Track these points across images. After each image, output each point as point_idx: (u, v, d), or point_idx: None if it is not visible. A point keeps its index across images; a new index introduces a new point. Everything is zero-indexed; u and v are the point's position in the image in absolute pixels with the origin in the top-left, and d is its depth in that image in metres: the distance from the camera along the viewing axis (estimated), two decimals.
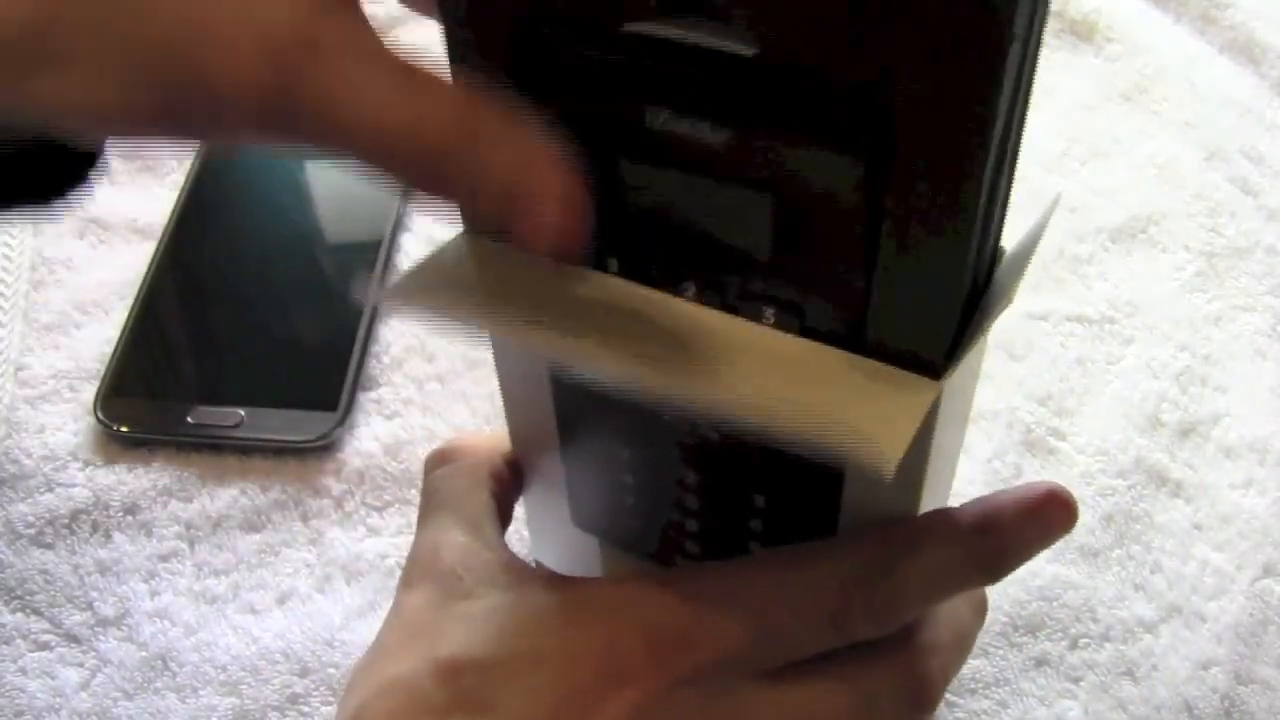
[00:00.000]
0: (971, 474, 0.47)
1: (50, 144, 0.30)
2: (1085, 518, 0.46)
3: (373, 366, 0.50)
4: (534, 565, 0.34)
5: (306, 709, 0.40)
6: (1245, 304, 0.53)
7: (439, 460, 0.35)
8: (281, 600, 0.43)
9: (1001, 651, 0.43)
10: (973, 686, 0.42)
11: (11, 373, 0.49)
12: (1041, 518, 0.28)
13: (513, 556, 0.31)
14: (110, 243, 0.54)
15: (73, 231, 0.54)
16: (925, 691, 0.29)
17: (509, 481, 0.35)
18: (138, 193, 0.56)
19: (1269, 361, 0.51)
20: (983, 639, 0.43)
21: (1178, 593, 0.44)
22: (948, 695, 0.41)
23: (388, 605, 0.42)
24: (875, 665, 0.28)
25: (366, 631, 0.42)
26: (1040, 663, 0.42)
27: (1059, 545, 0.45)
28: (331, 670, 0.41)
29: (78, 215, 0.55)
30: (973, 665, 0.42)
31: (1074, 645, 0.43)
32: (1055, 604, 0.44)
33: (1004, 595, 0.44)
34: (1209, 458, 0.48)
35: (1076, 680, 0.42)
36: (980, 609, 0.32)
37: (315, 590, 0.43)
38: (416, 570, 0.31)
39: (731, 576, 0.28)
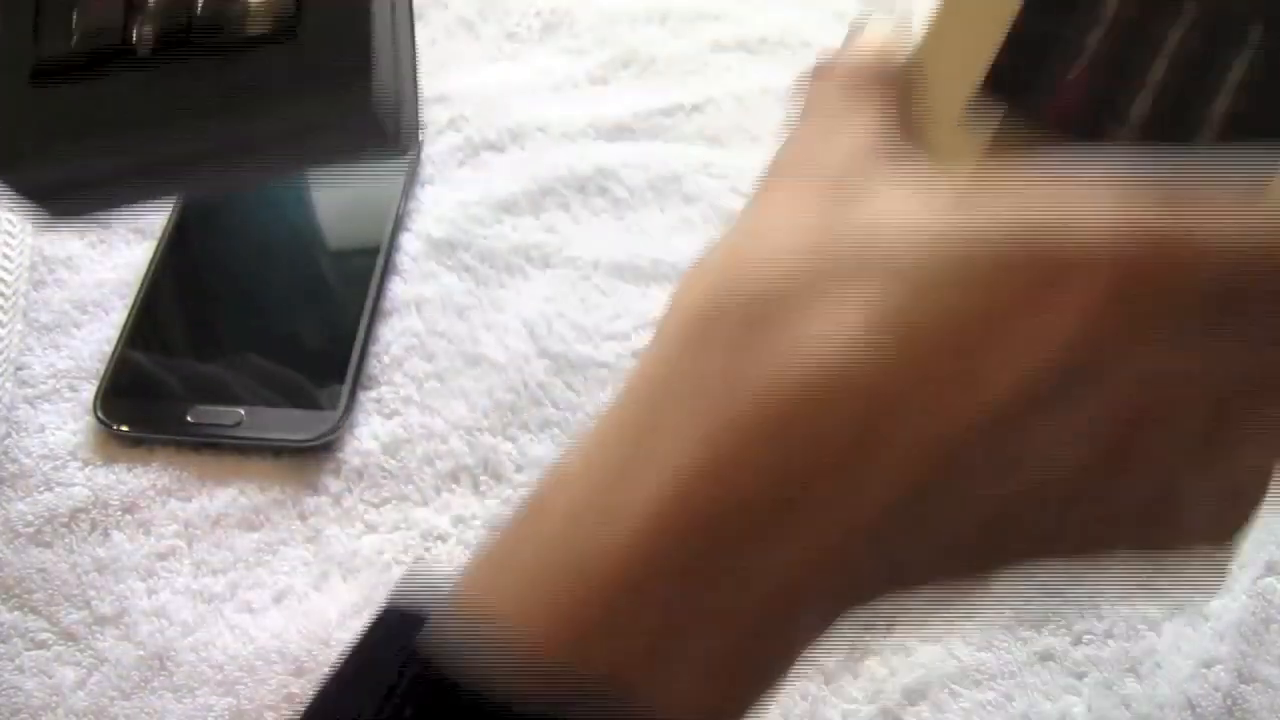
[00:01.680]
0: None
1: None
2: None
3: (373, 366, 0.49)
4: None
5: (303, 709, 0.40)
6: None
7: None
8: (278, 599, 0.43)
9: (1006, 645, 0.43)
10: (977, 678, 0.42)
11: (11, 372, 0.49)
12: None
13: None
14: (110, 242, 0.54)
15: (73, 230, 0.54)
16: None
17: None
18: None
19: None
20: (987, 632, 0.43)
21: (1180, 591, 0.44)
22: (953, 685, 0.41)
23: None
24: None
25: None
26: (1044, 657, 0.42)
27: None
28: (327, 670, 0.41)
29: None
30: (978, 658, 0.42)
31: (1078, 641, 0.43)
32: (1059, 600, 0.44)
33: (1008, 590, 0.44)
34: None
35: (1080, 676, 0.42)
36: None
37: (312, 588, 0.43)
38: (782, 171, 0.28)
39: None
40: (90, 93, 0.34)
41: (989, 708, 0.41)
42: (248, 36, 0.34)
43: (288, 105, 0.34)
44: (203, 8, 0.34)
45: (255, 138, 0.35)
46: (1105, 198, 0.22)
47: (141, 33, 0.34)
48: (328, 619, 0.42)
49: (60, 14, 0.35)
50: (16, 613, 0.42)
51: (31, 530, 0.44)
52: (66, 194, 0.37)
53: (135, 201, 0.38)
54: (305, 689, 0.40)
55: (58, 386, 0.49)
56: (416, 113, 0.36)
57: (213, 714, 0.40)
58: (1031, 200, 0.22)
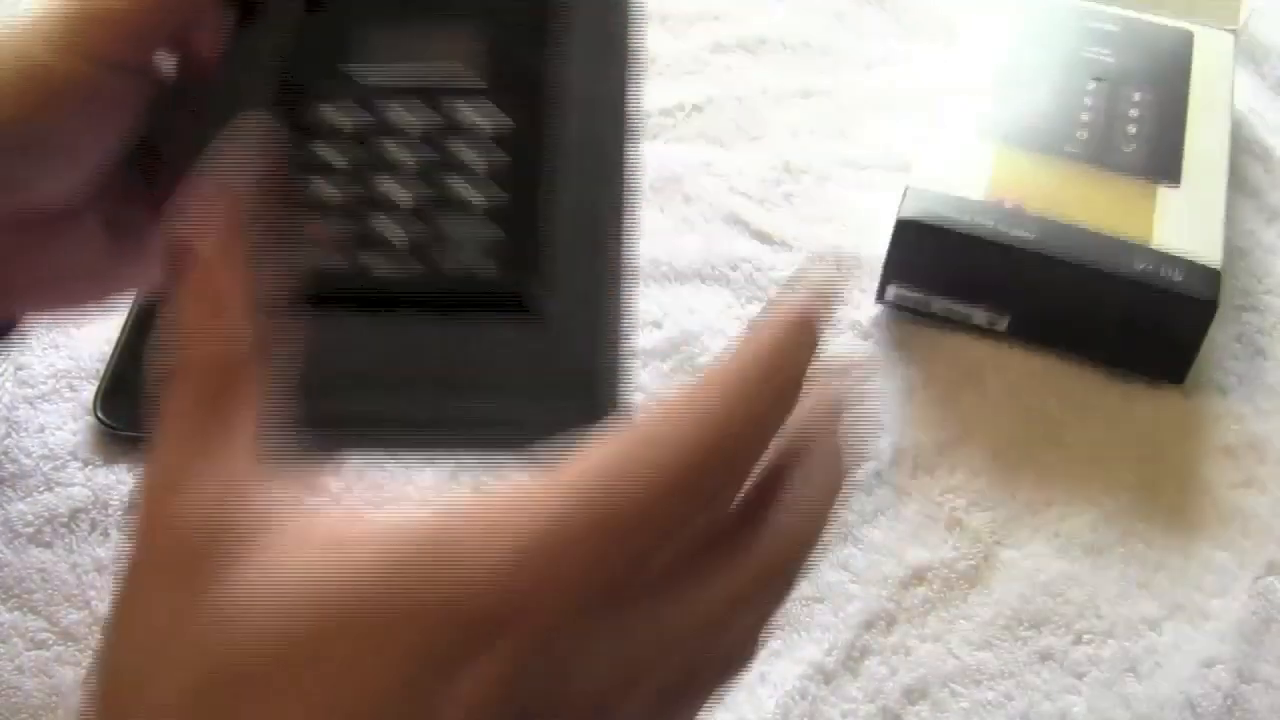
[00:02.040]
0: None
1: None
2: (1089, 515, 0.46)
3: None
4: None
5: None
6: (1246, 304, 0.53)
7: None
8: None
9: (1006, 645, 0.43)
10: (977, 678, 0.42)
11: (11, 372, 0.49)
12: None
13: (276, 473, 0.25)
14: None
15: None
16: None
17: None
18: None
19: (1269, 360, 0.51)
20: (987, 632, 0.43)
21: (1180, 590, 0.44)
22: (953, 685, 0.42)
23: None
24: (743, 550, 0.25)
25: None
26: (1044, 657, 0.42)
27: (1063, 542, 0.45)
28: None
29: None
30: (978, 657, 0.42)
31: (1078, 641, 0.43)
32: (1059, 599, 0.44)
33: (1008, 590, 0.44)
34: (1210, 456, 0.48)
35: (1080, 676, 0.42)
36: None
37: None
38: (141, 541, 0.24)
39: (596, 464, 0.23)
40: (310, 328, 0.34)
41: (989, 708, 0.41)
42: (484, 300, 0.34)
43: (507, 382, 0.34)
44: (440, 261, 0.35)
45: (469, 412, 0.35)
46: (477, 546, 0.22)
47: (372, 275, 0.35)
48: None
49: (284, 247, 0.34)
50: (16, 613, 0.42)
51: (31, 530, 0.44)
52: None
53: (322, 451, 0.38)
54: None
55: (58, 386, 0.49)
56: (625, 378, 0.36)
57: None
58: (421, 558, 0.22)
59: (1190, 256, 0.48)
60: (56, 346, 0.50)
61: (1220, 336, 0.52)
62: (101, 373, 0.49)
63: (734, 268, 0.53)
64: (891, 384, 0.50)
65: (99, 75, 0.34)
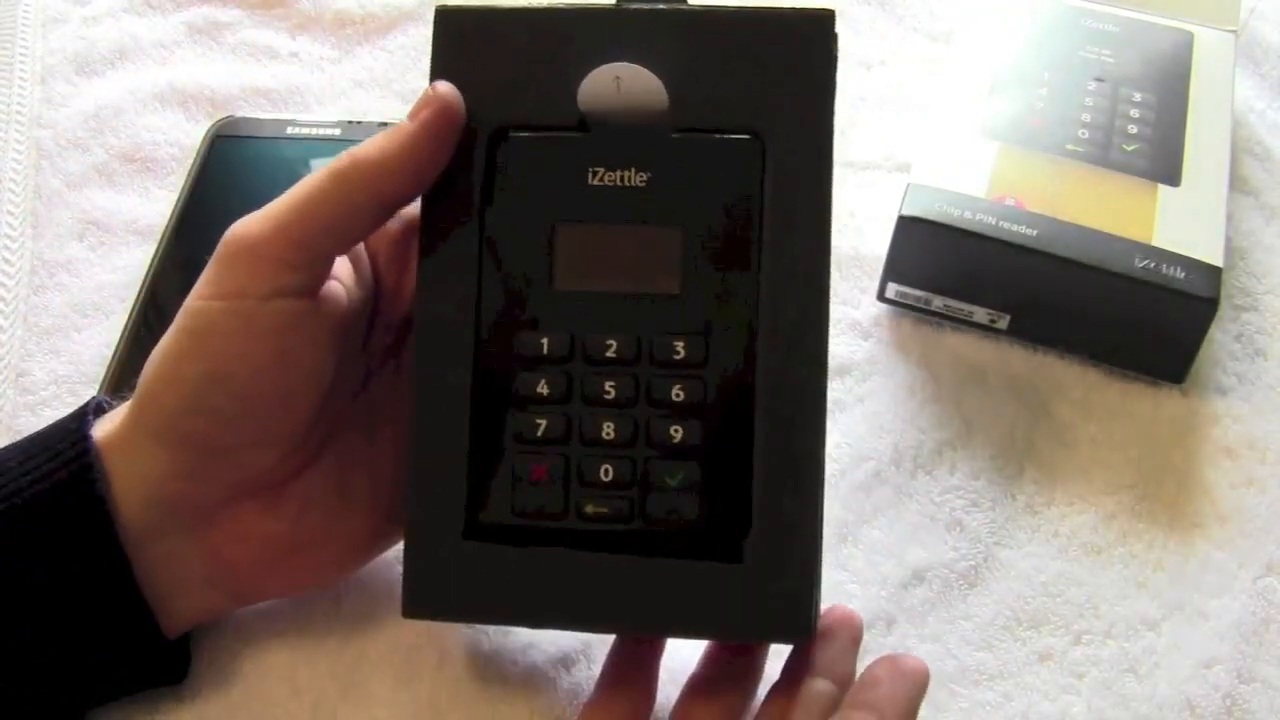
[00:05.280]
0: None
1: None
2: (1088, 515, 0.46)
3: None
4: None
5: (308, 704, 0.40)
6: (1246, 304, 0.53)
7: None
8: (279, 599, 0.43)
9: (1005, 645, 0.43)
10: (977, 678, 0.42)
11: (13, 379, 0.49)
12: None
13: None
14: (110, 245, 0.54)
15: (72, 234, 0.54)
16: None
17: None
18: (137, 194, 0.56)
19: (1269, 360, 0.51)
20: (987, 632, 0.43)
21: (1180, 590, 0.44)
22: (952, 686, 0.42)
23: (388, 602, 0.42)
24: None
25: (365, 629, 0.42)
26: (1044, 657, 0.42)
27: (1063, 542, 0.45)
28: (334, 667, 0.41)
29: (77, 217, 0.55)
30: (977, 658, 0.42)
31: (1077, 641, 0.43)
32: (1059, 600, 0.44)
33: (1008, 590, 0.44)
34: (1210, 456, 0.48)
35: (1080, 676, 0.42)
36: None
37: (320, 595, 0.43)
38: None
39: None
40: (526, 562, 0.36)
41: (989, 708, 0.41)
42: (694, 544, 0.35)
43: (721, 631, 0.36)
44: (649, 503, 0.36)
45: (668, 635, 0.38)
46: None
47: (582, 514, 0.36)
48: (331, 616, 0.42)
49: (495, 476, 0.36)
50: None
51: None
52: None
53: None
54: (313, 681, 0.41)
55: (58, 392, 0.49)
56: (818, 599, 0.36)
57: (217, 709, 0.40)
58: None
59: (1191, 255, 0.48)
60: (57, 352, 0.50)
61: (1220, 336, 0.52)
62: (102, 378, 0.49)
63: None
64: (891, 383, 0.50)
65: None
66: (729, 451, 0.35)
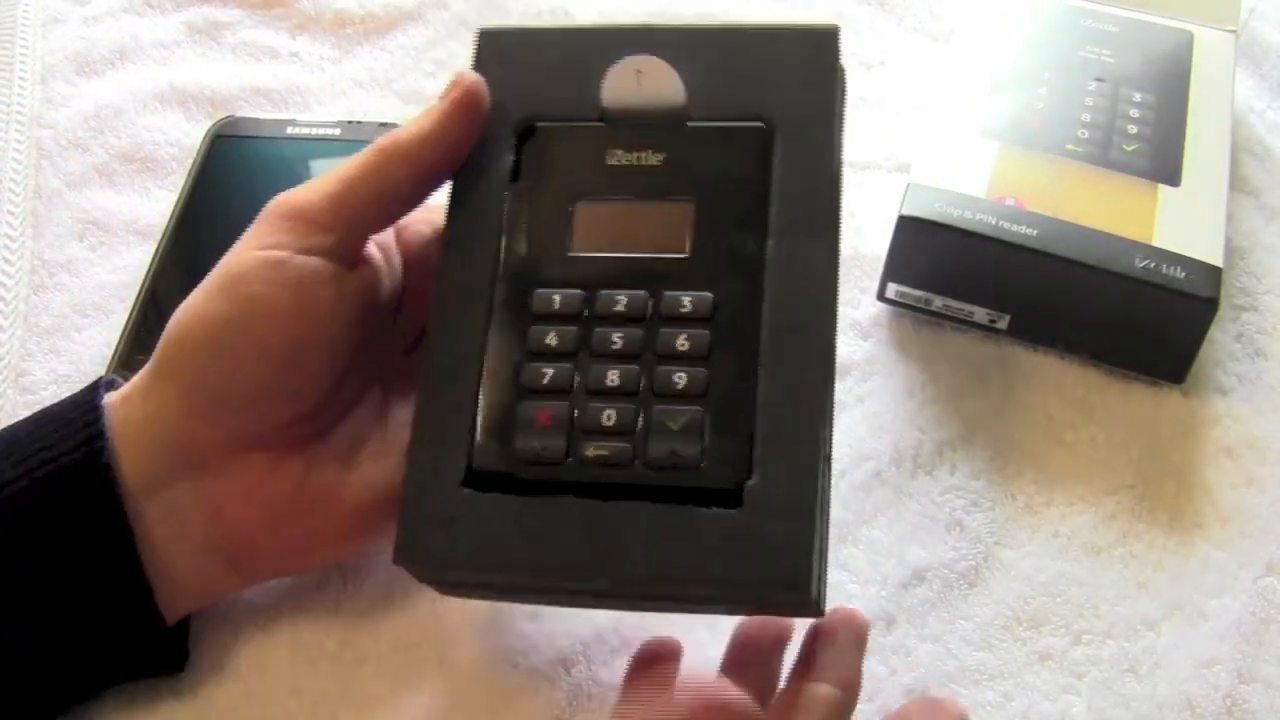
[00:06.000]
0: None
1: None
2: (1088, 515, 0.46)
3: None
4: None
5: (308, 704, 0.40)
6: (1246, 304, 0.53)
7: None
8: (280, 598, 0.43)
9: (1005, 645, 0.43)
10: (977, 678, 0.42)
11: (13, 379, 0.49)
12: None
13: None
14: (110, 244, 0.54)
15: (72, 233, 0.54)
16: None
17: None
18: (137, 194, 0.56)
19: (1269, 360, 0.51)
20: (987, 632, 0.43)
21: (1180, 590, 0.44)
22: (953, 685, 0.42)
23: (387, 602, 0.42)
24: None
25: (365, 629, 0.42)
26: (1044, 657, 0.42)
27: (1063, 542, 0.45)
28: (334, 667, 0.41)
29: (77, 217, 0.55)
30: (977, 658, 0.42)
31: (1077, 641, 0.43)
32: (1059, 600, 0.44)
33: (1008, 590, 0.44)
34: (1210, 456, 0.48)
35: (1080, 676, 0.42)
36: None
37: (315, 588, 0.43)
38: None
39: None
40: (525, 511, 0.36)
41: (989, 708, 0.41)
42: (694, 490, 0.35)
43: (719, 579, 0.35)
44: (651, 448, 0.36)
45: (676, 596, 0.36)
46: None
47: (583, 459, 0.36)
48: (332, 620, 0.42)
49: (499, 425, 0.37)
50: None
51: None
52: (468, 591, 0.39)
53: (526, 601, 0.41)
54: (313, 681, 0.41)
55: (58, 392, 0.49)
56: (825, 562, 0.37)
57: (217, 709, 0.40)
58: None
59: (1191, 255, 0.48)
60: (57, 352, 0.50)
61: (1220, 336, 0.52)
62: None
63: None
64: (891, 383, 0.50)
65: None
66: (732, 399, 0.36)
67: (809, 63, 0.39)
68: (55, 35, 0.62)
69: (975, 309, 0.50)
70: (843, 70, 0.40)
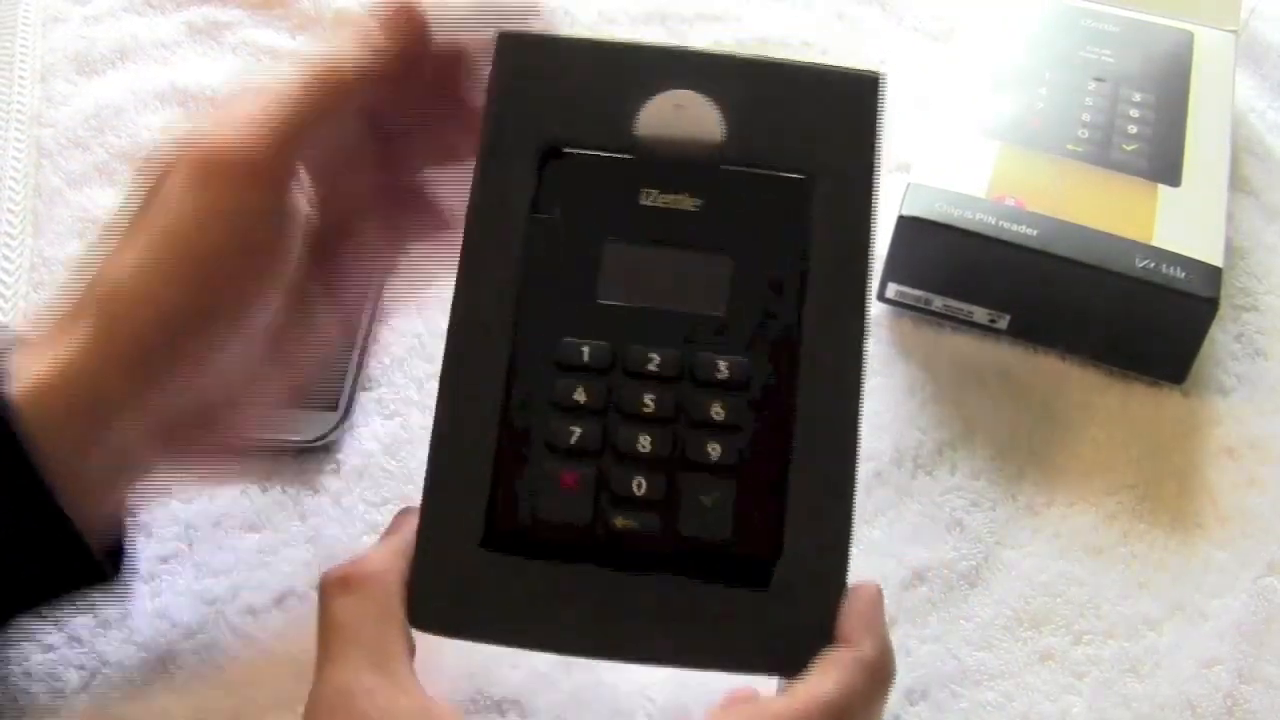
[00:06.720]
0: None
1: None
2: (1089, 515, 0.46)
3: (373, 366, 0.49)
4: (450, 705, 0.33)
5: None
6: (1246, 304, 0.53)
7: (339, 587, 0.33)
8: (279, 600, 0.43)
9: (1006, 645, 0.43)
10: (978, 679, 0.42)
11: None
12: None
13: (430, 701, 0.30)
14: None
15: (72, 232, 0.54)
16: None
17: None
18: None
19: (1269, 360, 0.51)
20: (988, 632, 0.43)
21: (1181, 590, 0.44)
22: (953, 685, 0.42)
23: None
24: None
25: None
26: (1045, 657, 0.42)
27: (1063, 542, 0.45)
28: None
29: (77, 215, 0.55)
30: (978, 658, 0.42)
31: (1078, 641, 0.43)
32: (1059, 599, 0.44)
33: (1009, 590, 0.44)
34: (1211, 456, 0.48)
35: (1080, 676, 0.42)
36: None
37: (313, 589, 0.43)
38: (323, 718, 0.30)
39: None
40: (545, 575, 0.34)
41: (989, 708, 0.41)
42: (721, 567, 0.34)
43: (740, 661, 0.34)
44: (682, 522, 0.34)
45: (696, 661, 0.35)
46: None
47: (610, 529, 0.34)
48: None
49: (520, 483, 0.35)
50: (23, 616, 0.42)
51: None
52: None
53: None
54: (307, 690, 0.40)
55: None
56: None
57: (215, 715, 0.40)
58: None
59: (1191, 255, 0.48)
60: None
61: (1220, 336, 0.52)
62: None
63: None
64: (891, 383, 0.50)
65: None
66: (765, 476, 0.35)
67: (851, 113, 0.37)
68: (56, 34, 0.62)
69: (975, 309, 0.50)
70: (881, 117, 0.37)
